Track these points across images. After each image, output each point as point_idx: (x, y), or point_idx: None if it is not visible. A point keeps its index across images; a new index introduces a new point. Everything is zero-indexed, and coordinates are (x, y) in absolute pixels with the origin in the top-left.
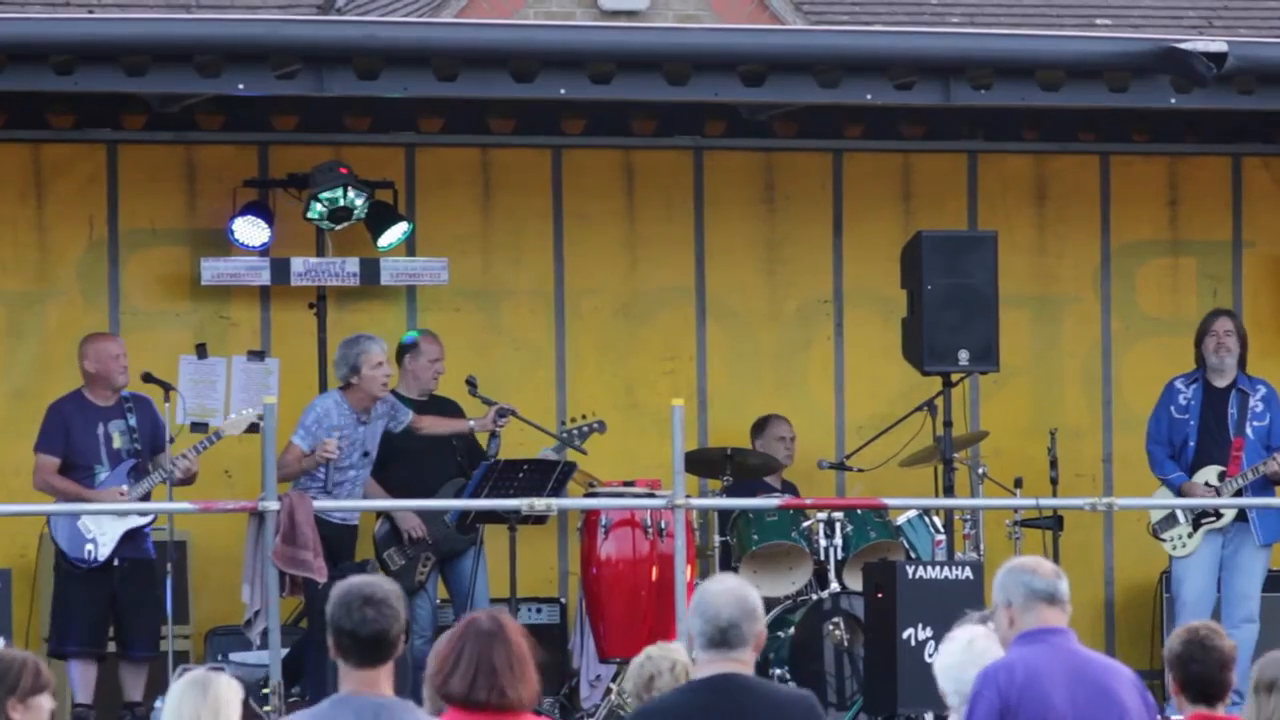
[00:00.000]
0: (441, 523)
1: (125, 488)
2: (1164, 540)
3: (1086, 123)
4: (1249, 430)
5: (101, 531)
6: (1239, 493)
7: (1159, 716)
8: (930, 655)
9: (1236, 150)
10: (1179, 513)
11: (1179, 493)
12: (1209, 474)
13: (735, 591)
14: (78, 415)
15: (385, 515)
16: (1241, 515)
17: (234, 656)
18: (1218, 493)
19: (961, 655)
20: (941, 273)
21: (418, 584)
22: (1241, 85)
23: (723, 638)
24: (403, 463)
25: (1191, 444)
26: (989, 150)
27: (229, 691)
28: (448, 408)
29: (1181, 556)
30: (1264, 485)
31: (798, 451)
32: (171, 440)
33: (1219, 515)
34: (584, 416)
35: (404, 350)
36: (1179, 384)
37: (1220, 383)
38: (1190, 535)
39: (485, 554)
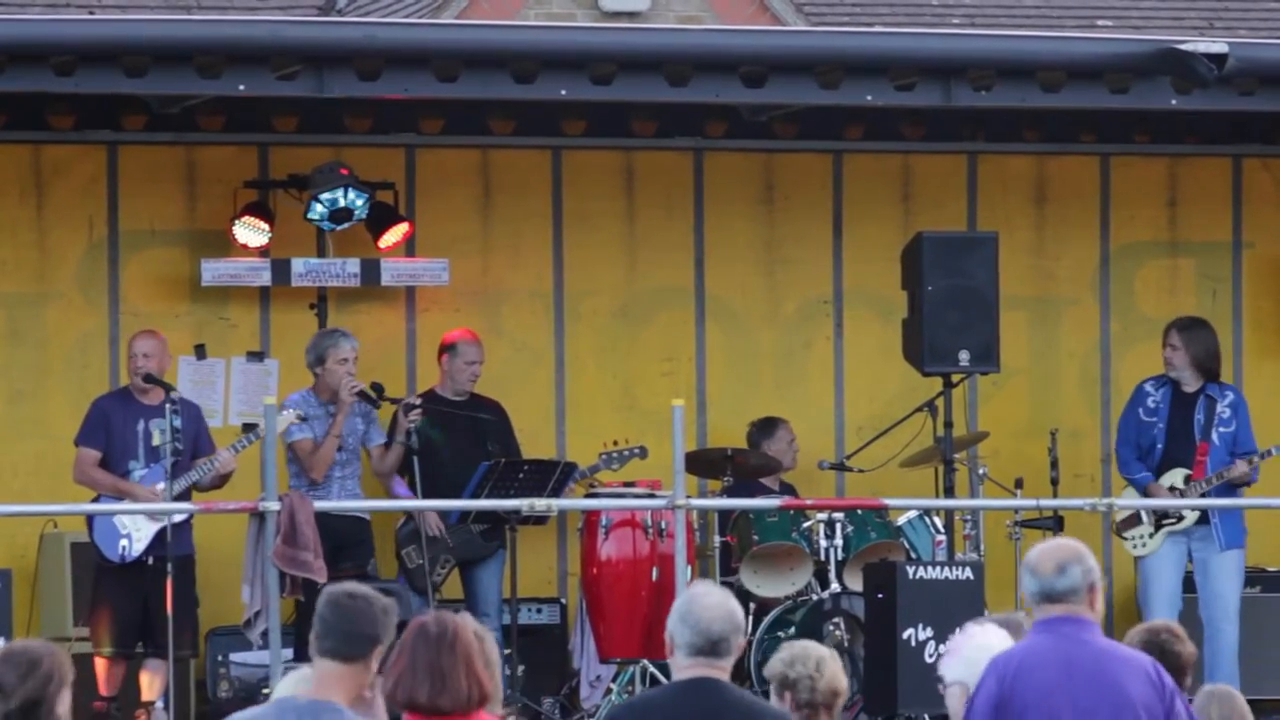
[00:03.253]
0: (467, 529)
1: (161, 486)
2: (1126, 539)
3: (1087, 124)
4: (1215, 436)
5: (136, 528)
6: (1203, 496)
7: (1179, 701)
8: (931, 655)
9: (1237, 151)
10: (1142, 513)
11: (1144, 493)
12: (1174, 476)
13: (724, 606)
14: (118, 410)
15: (408, 513)
16: (1204, 519)
17: (234, 657)
18: (1182, 495)
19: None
20: (942, 273)
21: (433, 584)
22: (1242, 86)
23: (711, 649)
24: (431, 462)
25: (1159, 447)
26: (989, 151)
27: None
28: (486, 408)
29: (1142, 556)
30: (1227, 490)
31: (798, 452)
32: (214, 448)
33: (1180, 518)
34: (625, 440)
35: (443, 350)
36: (1148, 387)
37: (1189, 388)
38: (1151, 535)
39: (504, 558)
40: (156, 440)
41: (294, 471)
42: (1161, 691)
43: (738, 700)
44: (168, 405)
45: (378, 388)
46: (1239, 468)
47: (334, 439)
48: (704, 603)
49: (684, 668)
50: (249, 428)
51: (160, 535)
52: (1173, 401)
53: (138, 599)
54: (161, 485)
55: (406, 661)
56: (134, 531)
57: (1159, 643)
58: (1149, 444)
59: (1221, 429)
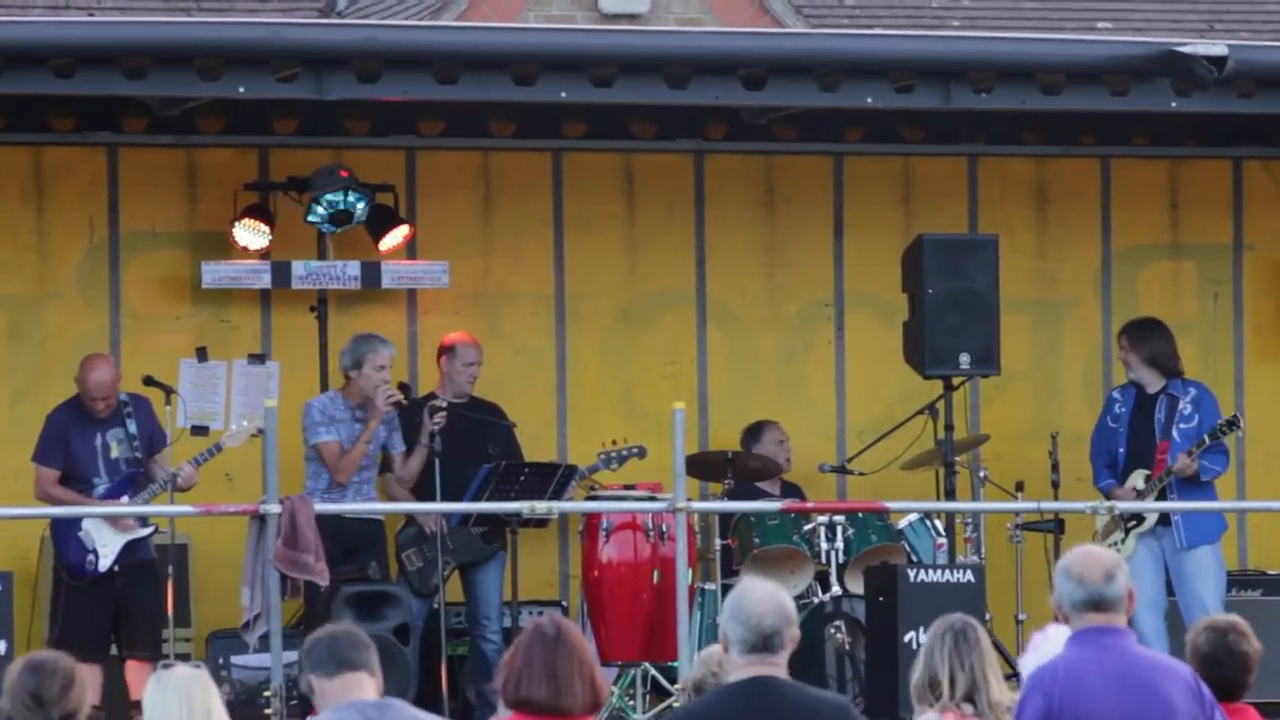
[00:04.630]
0: (466, 532)
1: (125, 500)
2: (1107, 547)
3: (1087, 126)
4: (1175, 433)
5: (103, 544)
6: (1162, 493)
7: (1219, 714)
8: None
9: (1237, 154)
10: (1114, 519)
11: (1108, 498)
12: (1136, 478)
13: (775, 599)
14: (74, 426)
15: (408, 516)
16: (1166, 519)
17: (235, 659)
18: (1140, 496)
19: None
20: (942, 276)
21: (434, 586)
22: (1242, 89)
23: (765, 644)
24: (431, 465)
25: (1121, 451)
26: (989, 154)
27: (217, 692)
28: (487, 410)
29: None
30: (1195, 486)
31: (798, 454)
32: (169, 443)
33: (1141, 519)
34: (624, 440)
35: (441, 352)
36: (1116, 394)
37: (1151, 389)
38: (1123, 540)
39: (505, 561)
40: (115, 452)
41: (311, 471)
42: (1202, 704)
43: (796, 697)
44: (123, 409)
45: (404, 387)
46: (1179, 460)
47: (364, 445)
48: (753, 597)
49: (739, 666)
50: (197, 430)
51: (126, 548)
52: (1135, 405)
53: (108, 607)
54: (125, 499)
55: (523, 660)
56: (101, 548)
57: (1226, 643)
58: (1114, 450)
59: (1183, 425)
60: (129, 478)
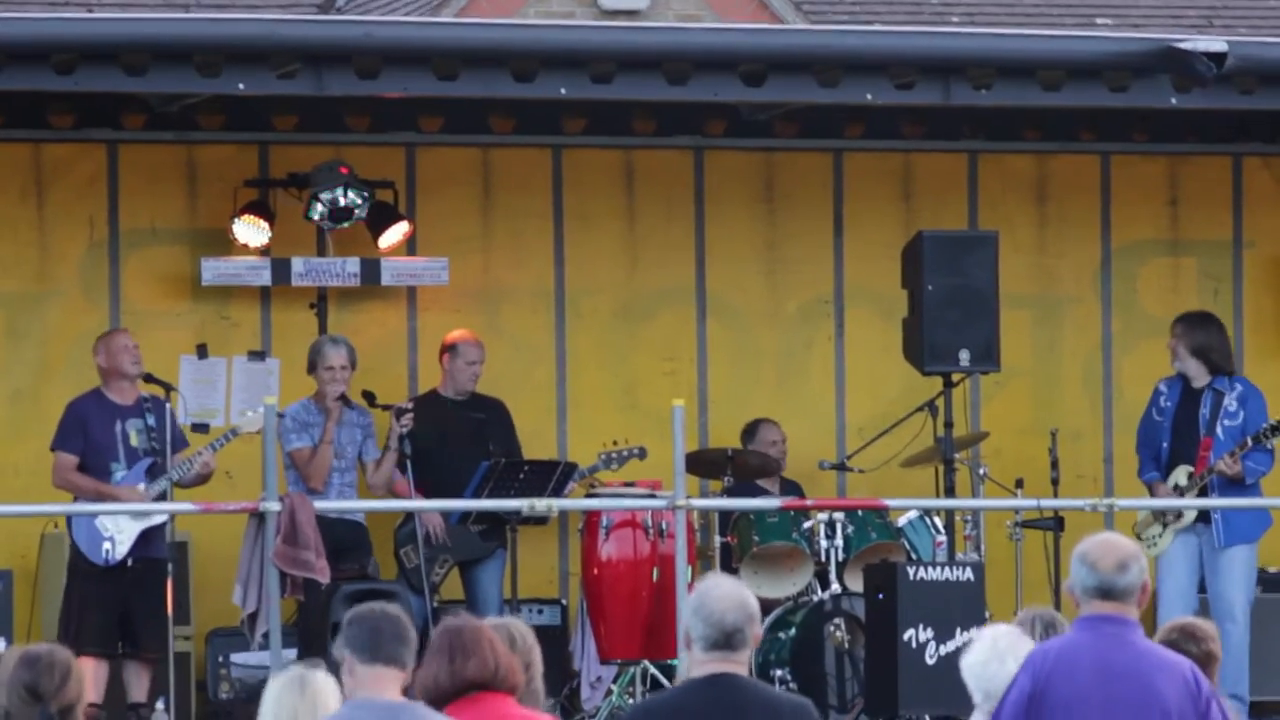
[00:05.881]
0: (466, 529)
1: (143, 486)
2: (1142, 540)
3: (1087, 122)
4: (1219, 430)
5: (119, 530)
6: (1204, 490)
7: (1215, 706)
8: (931, 657)
9: (1237, 150)
10: (1154, 513)
11: (1151, 493)
12: (1179, 474)
13: (737, 596)
14: (95, 413)
15: (407, 514)
16: (1206, 516)
17: (235, 658)
18: (1181, 493)
19: (986, 653)
20: (942, 273)
21: (431, 585)
22: (1242, 85)
23: (726, 641)
24: (432, 462)
25: (1165, 445)
26: (989, 150)
27: (328, 686)
28: (490, 407)
29: (1155, 555)
30: (1233, 486)
31: (799, 451)
32: (186, 444)
33: (1180, 515)
34: (625, 441)
35: (444, 351)
36: (1162, 386)
37: (1198, 383)
38: (1160, 535)
39: (504, 559)
40: (135, 441)
41: (292, 479)
42: (1197, 698)
43: (758, 695)
44: (144, 403)
45: (369, 395)
46: (1224, 462)
47: (326, 446)
48: (715, 594)
49: (701, 663)
50: (197, 428)
51: (142, 538)
52: (1181, 399)
53: (117, 601)
54: (143, 486)
55: (432, 651)
56: (117, 534)
57: (1169, 642)
58: (1158, 444)
59: (1227, 422)
60: (147, 466)
